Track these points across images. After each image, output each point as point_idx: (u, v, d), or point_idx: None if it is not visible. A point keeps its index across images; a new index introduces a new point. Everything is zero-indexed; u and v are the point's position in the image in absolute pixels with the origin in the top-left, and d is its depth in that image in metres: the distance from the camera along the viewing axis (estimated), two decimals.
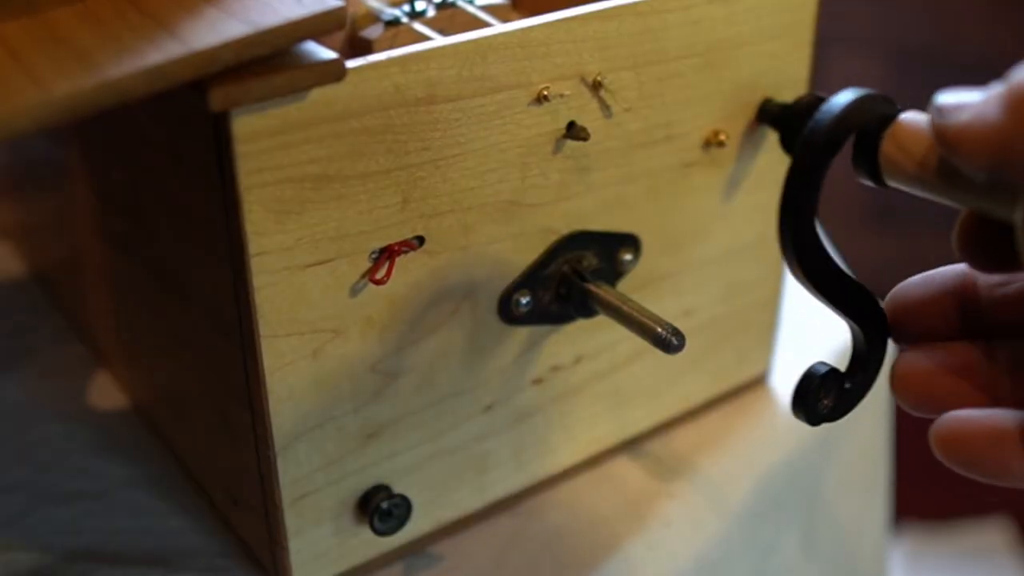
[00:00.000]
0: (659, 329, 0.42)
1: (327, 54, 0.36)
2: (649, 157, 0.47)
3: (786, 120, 0.48)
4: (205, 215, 0.39)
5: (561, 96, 0.43)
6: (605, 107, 0.44)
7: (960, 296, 0.36)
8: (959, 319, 0.36)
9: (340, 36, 0.48)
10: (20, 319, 0.63)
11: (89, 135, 0.49)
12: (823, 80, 0.51)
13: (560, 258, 0.46)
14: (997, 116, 0.29)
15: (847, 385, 0.38)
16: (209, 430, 0.47)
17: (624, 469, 0.53)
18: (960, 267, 0.37)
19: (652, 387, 0.53)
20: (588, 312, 0.47)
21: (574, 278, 0.46)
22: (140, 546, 0.48)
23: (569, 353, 0.49)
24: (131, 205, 0.47)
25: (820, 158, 0.34)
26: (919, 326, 0.37)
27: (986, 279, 0.36)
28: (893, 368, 0.36)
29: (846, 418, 0.61)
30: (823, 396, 0.37)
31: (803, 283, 0.36)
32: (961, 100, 0.31)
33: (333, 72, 0.36)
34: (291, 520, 0.43)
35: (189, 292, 0.44)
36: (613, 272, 0.48)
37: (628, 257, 0.48)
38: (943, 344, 0.36)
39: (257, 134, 0.36)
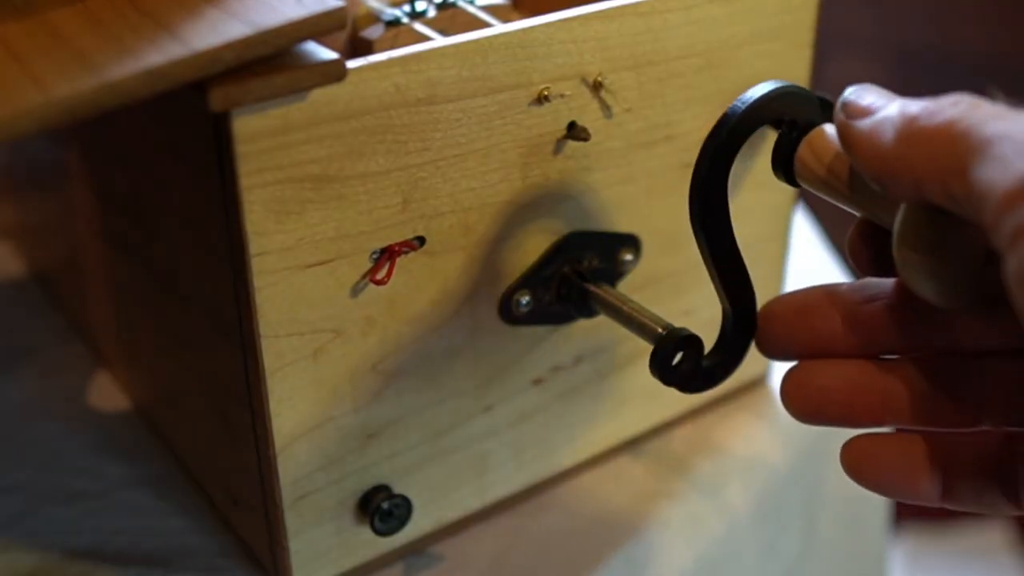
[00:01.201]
0: (659, 329, 0.42)
1: (328, 54, 0.36)
2: (649, 157, 0.47)
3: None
4: (205, 215, 0.39)
5: (562, 96, 0.43)
6: (605, 107, 0.44)
7: (832, 312, 0.36)
8: (839, 335, 0.36)
9: (341, 36, 0.48)
10: (20, 319, 0.63)
11: (89, 136, 0.49)
12: (823, 80, 0.51)
13: (560, 258, 0.46)
14: (890, 138, 0.30)
15: (705, 363, 0.40)
16: (209, 430, 0.47)
17: (624, 469, 0.53)
18: (826, 285, 0.37)
19: (652, 387, 0.53)
20: (588, 312, 0.47)
21: (574, 278, 0.46)
22: (140, 546, 0.48)
23: (569, 353, 0.49)
24: (131, 205, 0.47)
25: (726, 144, 0.36)
26: (790, 339, 0.37)
27: (851, 296, 0.36)
28: (782, 381, 0.37)
29: None
30: (680, 359, 0.40)
31: (704, 257, 0.39)
32: (868, 103, 0.32)
33: (334, 72, 0.36)
34: (291, 520, 0.43)
35: (189, 292, 0.44)
36: (613, 272, 0.48)
37: (628, 257, 0.48)
38: (831, 360, 0.36)
39: (257, 134, 0.36)
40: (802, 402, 0.36)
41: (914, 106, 0.30)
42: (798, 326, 0.37)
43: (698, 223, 0.38)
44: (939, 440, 0.35)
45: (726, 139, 0.36)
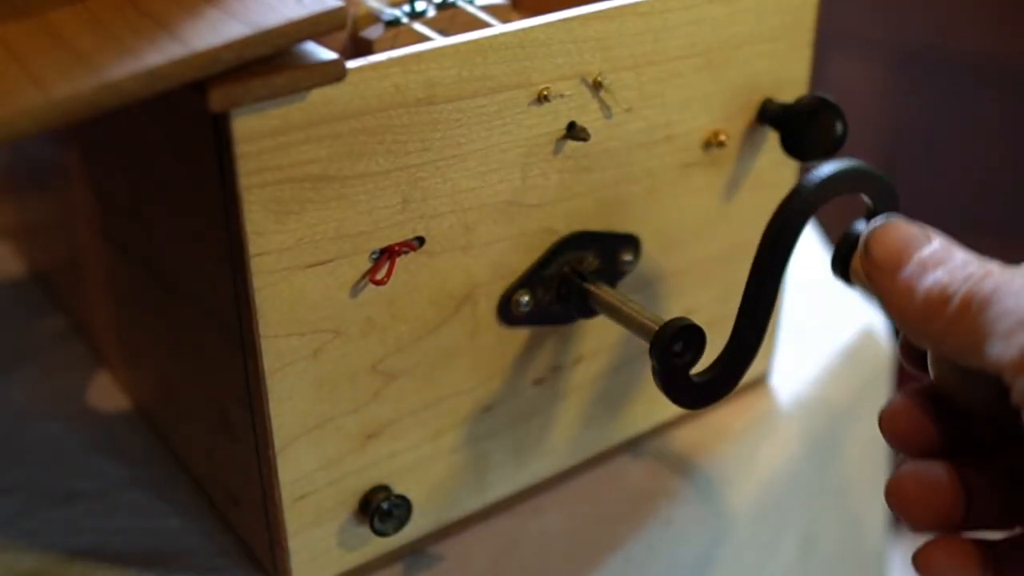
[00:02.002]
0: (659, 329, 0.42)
1: (327, 54, 0.36)
2: (649, 157, 0.47)
3: (786, 120, 0.48)
4: (205, 215, 0.39)
5: (562, 96, 0.43)
6: (605, 107, 0.44)
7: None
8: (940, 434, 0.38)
9: (341, 36, 0.48)
10: (20, 319, 0.63)
11: (89, 136, 0.49)
12: (823, 80, 0.51)
13: (560, 259, 0.46)
14: (916, 307, 0.34)
15: (701, 379, 0.42)
16: (209, 430, 0.47)
17: (624, 469, 0.53)
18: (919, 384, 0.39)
19: (652, 387, 0.53)
20: (588, 312, 0.47)
21: (574, 279, 0.46)
22: (140, 546, 0.48)
23: (569, 353, 0.49)
24: (131, 205, 0.47)
25: (797, 214, 0.39)
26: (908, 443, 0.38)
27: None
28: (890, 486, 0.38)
29: (846, 418, 0.61)
30: (682, 348, 0.42)
31: (748, 297, 0.42)
32: (889, 248, 0.35)
33: (333, 72, 0.36)
34: (291, 520, 0.43)
35: (189, 292, 0.44)
36: (613, 273, 0.48)
37: (628, 258, 0.48)
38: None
39: (257, 134, 0.36)
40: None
41: (931, 275, 0.34)
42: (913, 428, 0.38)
43: (760, 275, 0.41)
44: None
45: (798, 209, 0.39)
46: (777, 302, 0.42)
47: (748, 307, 0.41)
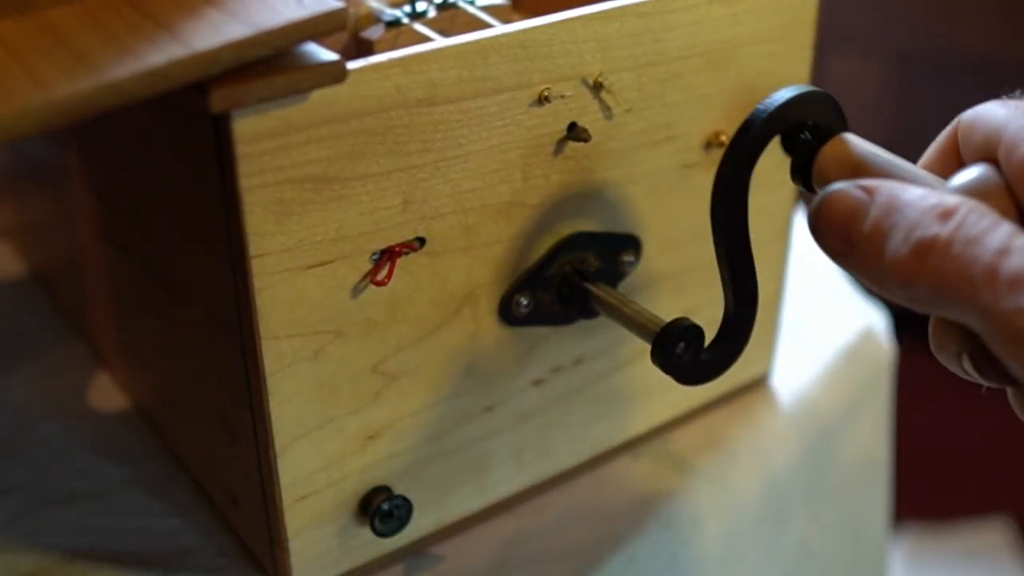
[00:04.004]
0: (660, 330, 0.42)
1: (328, 55, 0.36)
2: (650, 158, 0.47)
3: None
4: (206, 216, 0.39)
5: (562, 97, 0.43)
6: (606, 108, 0.44)
7: None
8: None
9: (341, 37, 0.48)
10: (20, 319, 0.63)
11: (89, 136, 0.49)
12: (823, 80, 0.51)
13: (561, 259, 0.46)
14: (885, 279, 0.31)
15: (704, 356, 0.42)
16: (209, 431, 0.47)
17: (625, 470, 0.53)
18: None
19: (653, 388, 0.53)
20: (589, 313, 0.47)
21: (575, 279, 0.46)
22: (140, 546, 0.48)
23: (570, 354, 0.49)
24: (132, 206, 0.47)
25: (751, 145, 0.37)
26: None
27: None
28: None
29: (846, 418, 0.61)
30: (683, 347, 0.42)
31: (718, 252, 0.39)
32: (836, 231, 0.33)
33: (334, 73, 0.36)
34: (291, 521, 0.43)
35: (189, 293, 0.44)
36: (614, 273, 0.48)
37: (629, 258, 0.48)
38: None
39: (258, 135, 0.36)
40: None
41: (888, 246, 0.31)
42: None
43: (719, 220, 0.38)
44: None
45: (752, 141, 0.37)
46: (754, 266, 0.40)
47: (732, 260, 0.40)
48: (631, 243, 0.48)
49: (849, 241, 0.32)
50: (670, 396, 0.55)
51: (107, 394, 0.57)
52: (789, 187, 0.53)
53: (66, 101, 0.32)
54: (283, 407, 0.41)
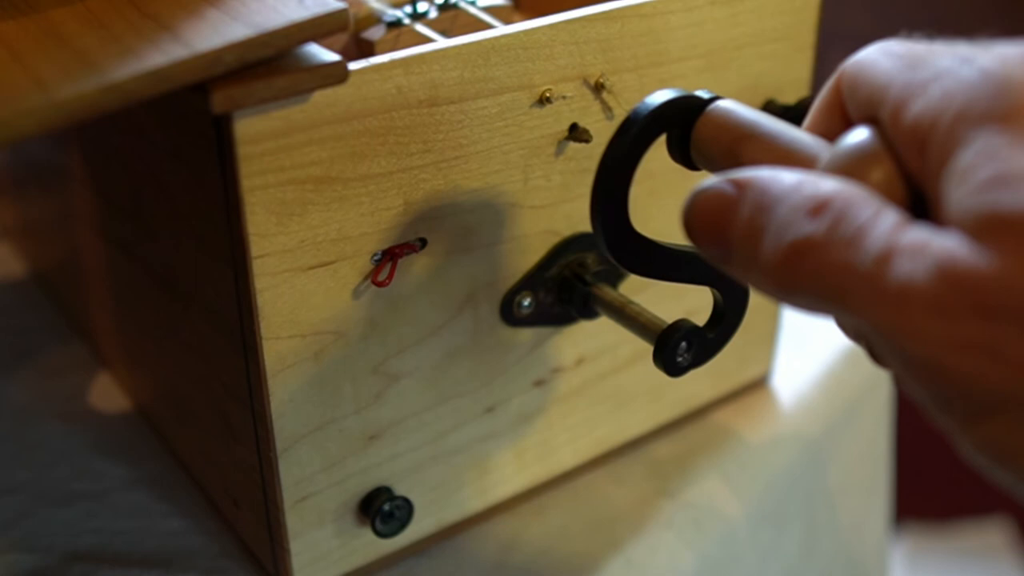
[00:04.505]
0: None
1: (329, 56, 0.36)
2: (650, 159, 0.47)
3: (788, 121, 0.48)
4: (207, 217, 0.39)
5: (563, 98, 0.43)
6: (607, 109, 0.44)
7: None
8: None
9: (342, 38, 0.48)
10: (20, 319, 0.63)
11: (90, 136, 0.49)
12: (823, 80, 0.51)
13: (562, 260, 0.46)
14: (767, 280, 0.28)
15: (709, 335, 0.42)
16: (210, 431, 0.47)
17: (625, 470, 0.53)
18: None
19: (653, 388, 0.53)
20: (590, 314, 0.47)
21: (576, 280, 0.46)
22: (141, 547, 0.48)
23: (571, 355, 0.49)
24: (132, 206, 0.47)
25: (632, 149, 0.36)
26: None
27: None
28: None
29: (846, 418, 0.61)
30: (684, 350, 0.42)
31: (620, 267, 0.38)
32: (708, 233, 0.30)
33: (335, 74, 0.36)
34: (292, 522, 0.43)
35: (190, 294, 0.44)
36: (614, 274, 0.48)
37: None
38: None
39: (259, 136, 0.36)
40: None
41: (763, 245, 0.28)
42: None
43: (602, 236, 0.37)
44: None
45: (631, 145, 0.36)
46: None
47: (649, 267, 0.38)
48: None
49: (725, 245, 0.29)
50: (670, 396, 0.54)
51: (108, 395, 0.57)
52: None
53: (68, 102, 0.32)
54: (284, 408, 0.41)
